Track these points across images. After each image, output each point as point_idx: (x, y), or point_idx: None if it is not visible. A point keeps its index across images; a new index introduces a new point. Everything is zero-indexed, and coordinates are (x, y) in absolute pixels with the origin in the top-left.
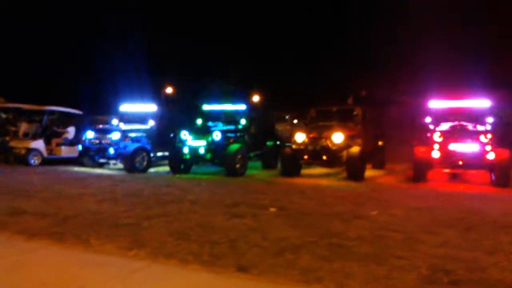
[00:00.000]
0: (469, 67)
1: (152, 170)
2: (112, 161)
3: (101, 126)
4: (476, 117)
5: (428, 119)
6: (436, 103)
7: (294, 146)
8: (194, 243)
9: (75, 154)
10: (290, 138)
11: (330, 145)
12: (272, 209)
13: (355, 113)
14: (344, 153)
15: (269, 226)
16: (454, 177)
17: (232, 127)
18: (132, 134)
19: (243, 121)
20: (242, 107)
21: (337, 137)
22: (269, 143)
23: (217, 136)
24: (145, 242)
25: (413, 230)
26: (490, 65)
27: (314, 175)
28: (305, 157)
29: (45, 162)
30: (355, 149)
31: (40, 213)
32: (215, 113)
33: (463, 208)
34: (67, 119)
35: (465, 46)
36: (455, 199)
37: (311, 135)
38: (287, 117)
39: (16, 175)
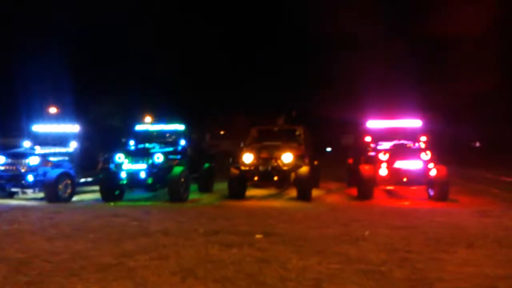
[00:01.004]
0: (403, 89)
1: (75, 198)
2: (29, 190)
3: (13, 150)
4: (410, 136)
5: (368, 138)
6: (374, 123)
7: (242, 168)
8: (209, 282)
9: None
10: (234, 158)
11: (281, 165)
12: (258, 236)
13: (297, 133)
14: (293, 173)
15: (277, 255)
16: (390, 193)
17: (171, 148)
18: (53, 158)
19: (182, 142)
20: (180, 127)
21: (287, 157)
22: (205, 165)
23: (158, 158)
24: (151, 286)
25: (424, 250)
26: (422, 89)
27: (258, 196)
28: (255, 178)
29: None
30: (305, 169)
31: None
32: (149, 133)
33: (442, 224)
34: None
35: (401, 68)
36: (425, 216)
37: (261, 156)
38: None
39: None
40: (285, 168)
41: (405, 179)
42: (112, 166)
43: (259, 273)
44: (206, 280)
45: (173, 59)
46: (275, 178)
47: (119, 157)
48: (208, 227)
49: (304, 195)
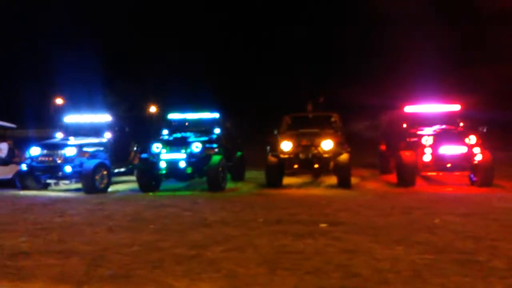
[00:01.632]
0: (442, 72)
1: (109, 189)
2: (64, 181)
3: (48, 141)
4: (450, 121)
5: (406, 124)
6: (411, 108)
7: (281, 155)
8: (301, 273)
9: (9, 176)
10: (272, 146)
11: (321, 152)
12: (323, 225)
13: (332, 119)
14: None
15: (357, 245)
16: (428, 180)
17: (208, 137)
18: (89, 149)
19: (217, 131)
20: (215, 115)
21: (328, 144)
22: (238, 153)
23: (197, 147)
24: (243, 278)
25: (509, 237)
26: (463, 71)
27: (295, 185)
28: (295, 166)
29: None
30: (345, 156)
31: (48, 252)
32: (183, 122)
33: (506, 210)
34: None
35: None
36: (483, 202)
37: (301, 143)
38: None
39: None
40: (326, 155)
41: (449, 165)
42: (148, 156)
43: (349, 264)
44: (297, 271)
45: (203, 48)
46: (316, 165)
47: (157, 147)
48: (266, 216)
49: (344, 183)
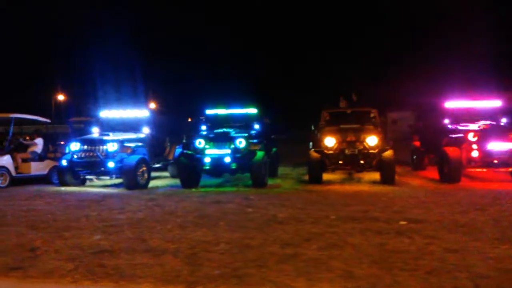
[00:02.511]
0: (482, 66)
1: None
2: (105, 177)
3: (87, 136)
4: (491, 116)
5: (447, 120)
6: (452, 104)
7: (326, 151)
8: (421, 273)
9: (45, 171)
10: (314, 142)
11: (368, 148)
12: (403, 222)
13: (372, 115)
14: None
15: (460, 244)
16: (467, 176)
17: (249, 133)
18: (131, 144)
19: (256, 126)
20: (253, 110)
21: (373, 140)
22: (273, 149)
23: (240, 143)
24: (364, 279)
25: None
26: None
27: (335, 181)
28: (340, 162)
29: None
30: (390, 152)
31: (133, 250)
32: (221, 117)
33: None
34: (33, 129)
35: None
36: None
37: (347, 139)
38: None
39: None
40: (372, 151)
41: (495, 161)
42: (192, 151)
43: (468, 264)
44: (415, 271)
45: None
46: (362, 161)
47: (199, 142)
48: (335, 213)
49: (389, 179)
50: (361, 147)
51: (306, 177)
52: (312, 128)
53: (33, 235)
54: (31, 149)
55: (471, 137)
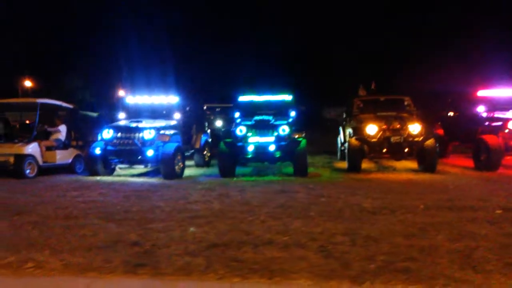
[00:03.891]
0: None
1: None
2: (139, 166)
3: (123, 123)
4: None
5: (480, 108)
6: (485, 92)
7: (369, 139)
8: None
9: (69, 160)
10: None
11: (413, 136)
12: (498, 211)
13: (406, 103)
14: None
15: None
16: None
17: (289, 120)
18: (167, 132)
19: (293, 113)
20: (288, 97)
21: (416, 128)
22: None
23: (283, 131)
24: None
25: None
26: None
27: (371, 170)
28: (384, 150)
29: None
30: (432, 141)
31: (269, 242)
32: (256, 104)
33: None
34: (56, 116)
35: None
36: None
37: (391, 127)
38: None
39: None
40: (417, 139)
41: None
42: (232, 140)
43: None
44: None
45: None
46: (406, 150)
47: (240, 130)
48: (418, 202)
49: (431, 167)
50: (406, 135)
51: (337, 165)
52: (344, 115)
53: (120, 229)
54: (54, 136)
55: (511, 125)
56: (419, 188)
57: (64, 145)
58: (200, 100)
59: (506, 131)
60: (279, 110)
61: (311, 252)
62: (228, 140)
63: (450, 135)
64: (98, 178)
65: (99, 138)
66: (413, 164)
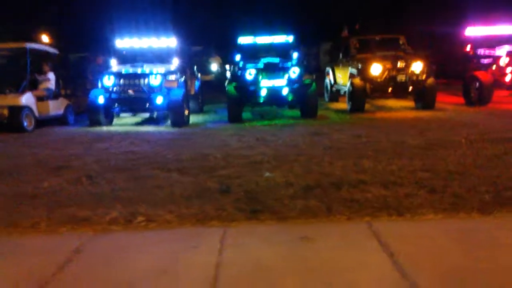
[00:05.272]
0: None
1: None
2: (144, 114)
3: (122, 68)
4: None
5: (469, 47)
6: (473, 31)
7: (374, 79)
8: None
9: (60, 111)
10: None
11: (417, 75)
12: None
13: (401, 42)
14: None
15: None
16: None
17: (293, 63)
18: (173, 78)
19: (295, 55)
20: (289, 38)
21: (419, 67)
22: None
23: (294, 73)
24: None
25: None
26: None
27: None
28: (389, 89)
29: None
30: (432, 79)
31: (380, 182)
32: (256, 46)
33: None
34: (44, 62)
35: None
36: None
37: (396, 66)
38: None
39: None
40: (420, 78)
41: None
42: (242, 84)
43: None
44: None
45: None
46: (410, 88)
47: (250, 73)
48: (453, 137)
49: (431, 104)
50: (410, 74)
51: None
52: (340, 56)
53: (189, 178)
54: (43, 85)
55: (502, 62)
56: (438, 124)
57: (55, 95)
58: (187, 43)
59: (494, 67)
60: (283, 52)
61: (412, 188)
62: (235, 84)
63: (440, 73)
64: (105, 128)
65: (99, 85)
66: (405, 103)
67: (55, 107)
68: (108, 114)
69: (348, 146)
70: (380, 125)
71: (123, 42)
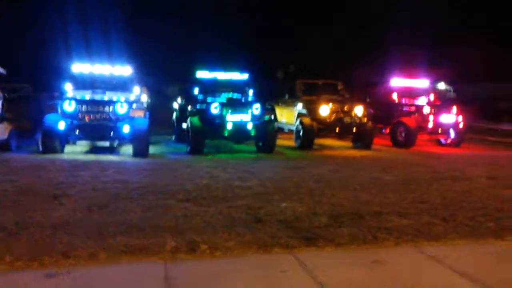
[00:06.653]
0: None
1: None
2: (104, 143)
3: (88, 96)
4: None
5: (394, 95)
6: (398, 82)
7: (325, 120)
8: None
9: (4, 136)
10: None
11: (360, 118)
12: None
13: (339, 87)
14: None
15: None
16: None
17: (252, 99)
18: (139, 106)
19: (251, 92)
20: (244, 76)
21: (360, 111)
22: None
23: (257, 109)
24: None
25: None
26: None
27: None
28: (337, 129)
29: None
30: (371, 123)
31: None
32: (215, 82)
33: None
34: None
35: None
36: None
37: (342, 109)
38: None
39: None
40: (362, 120)
41: (440, 130)
42: (208, 117)
43: None
44: None
45: None
46: (354, 130)
47: (215, 107)
48: (418, 176)
49: (369, 145)
50: (354, 116)
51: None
52: (286, 96)
53: (204, 208)
54: None
55: (426, 110)
56: (389, 163)
57: (1, 118)
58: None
59: (417, 115)
60: (239, 89)
61: (426, 218)
62: (199, 116)
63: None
64: (65, 156)
65: (59, 111)
66: (340, 142)
67: (1, 132)
68: (62, 141)
69: (333, 180)
70: (341, 162)
71: (80, 67)
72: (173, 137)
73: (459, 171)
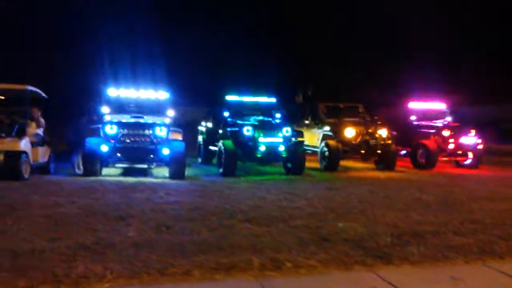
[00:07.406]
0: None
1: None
2: (142, 166)
3: (127, 119)
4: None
5: (413, 117)
6: (415, 104)
7: (349, 142)
8: None
9: (45, 159)
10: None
11: (384, 139)
12: None
13: (360, 110)
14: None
15: None
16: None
17: (287, 123)
18: (176, 129)
19: (278, 115)
20: (272, 99)
21: (384, 133)
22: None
23: (287, 132)
24: None
25: None
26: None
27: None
28: (362, 151)
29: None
30: (394, 145)
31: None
32: (243, 105)
33: None
34: (34, 106)
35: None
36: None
37: (368, 131)
38: None
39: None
40: (386, 142)
41: (460, 152)
42: (241, 139)
43: None
44: None
45: None
46: (379, 151)
47: (248, 129)
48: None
49: (393, 166)
50: (379, 138)
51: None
52: (309, 119)
53: (265, 228)
54: (32, 131)
55: (445, 132)
56: (420, 183)
57: (43, 141)
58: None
59: (436, 136)
60: (267, 112)
61: (483, 236)
62: (233, 139)
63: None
64: (108, 178)
65: (100, 133)
66: (362, 164)
67: (43, 155)
68: (102, 163)
69: (375, 200)
70: (374, 183)
71: (117, 91)
72: (199, 160)
73: (492, 191)
